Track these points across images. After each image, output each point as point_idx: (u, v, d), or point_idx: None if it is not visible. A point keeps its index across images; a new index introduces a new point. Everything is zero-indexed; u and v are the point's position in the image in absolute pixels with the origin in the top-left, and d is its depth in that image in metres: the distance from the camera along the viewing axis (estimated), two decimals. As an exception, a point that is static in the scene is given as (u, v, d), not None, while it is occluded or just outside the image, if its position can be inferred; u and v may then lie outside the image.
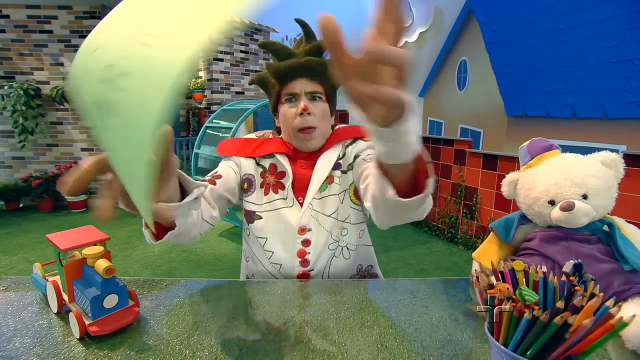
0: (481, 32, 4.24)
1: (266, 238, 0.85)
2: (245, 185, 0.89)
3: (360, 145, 0.89)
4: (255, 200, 0.87)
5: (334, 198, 0.86)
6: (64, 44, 4.29)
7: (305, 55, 0.82)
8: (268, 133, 0.95)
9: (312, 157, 0.88)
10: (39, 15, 4.21)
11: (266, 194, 0.87)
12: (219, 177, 0.84)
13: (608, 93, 3.14)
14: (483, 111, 4.46)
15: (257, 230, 0.86)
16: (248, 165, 0.89)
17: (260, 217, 0.86)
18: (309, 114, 0.81)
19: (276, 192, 0.86)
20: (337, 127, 0.93)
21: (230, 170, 0.88)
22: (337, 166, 0.87)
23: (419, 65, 5.80)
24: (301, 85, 0.82)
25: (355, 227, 0.87)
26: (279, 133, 0.92)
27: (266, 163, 0.89)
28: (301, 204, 0.85)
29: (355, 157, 0.87)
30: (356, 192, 0.87)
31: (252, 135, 0.95)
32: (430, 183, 0.49)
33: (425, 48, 5.69)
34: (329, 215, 0.85)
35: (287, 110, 0.83)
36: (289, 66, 0.80)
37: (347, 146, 0.90)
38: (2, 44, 4.21)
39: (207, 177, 0.85)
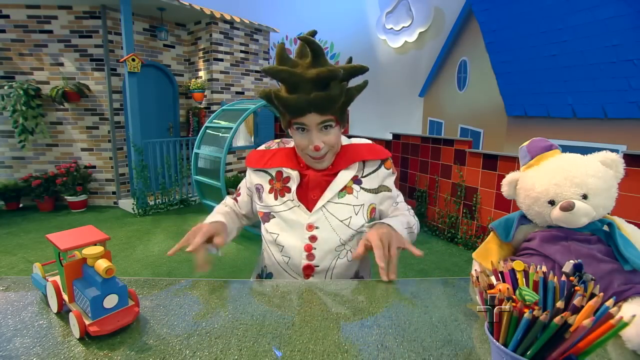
0: (481, 32, 4.24)
1: (278, 234, 0.92)
2: (257, 193, 0.98)
3: (387, 179, 0.96)
4: (267, 203, 0.95)
5: (349, 208, 0.90)
6: (64, 44, 4.29)
7: (312, 85, 0.78)
8: (274, 144, 1.01)
9: (327, 171, 0.93)
10: (39, 15, 4.21)
11: (275, 198, 0.93)
12: (239, 195, 1.06)
13: (608, 93, 3.14)
14: (483, 111, 4.46)
15: (271, 227, 0.94)
16: (256, 178, 0.98)
17: (274, 217, 0.93)
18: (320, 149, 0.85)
19: (283, 196, 0.93)
20: (352, 142, 0.97)
21: (244, 194, 1.05)
22: (358, 182, 0.93)
23: (419, 66, 5.80)
24: (311, 119, 0.82)
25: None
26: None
27: (273, 171, 0.96)
28: (308, 207, 0.90)
29: (382, 187, 0.95)
30: (372, 212, 0.94)
31: (262, 147, 1.02)
32: None
33: (425, 48, 5.69)
34: (342, 221, 0.89)
35: (299, 140, 0.86)
36: (297, 104, 0.80)
37: (375, 170, 0.95)
38: (2, 44, 4.21)
39: (234, 195, 1.09)
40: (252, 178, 0.99)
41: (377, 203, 0.96)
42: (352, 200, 0.91)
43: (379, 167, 0.96)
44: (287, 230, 0.91)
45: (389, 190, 0.97)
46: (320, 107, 0.80)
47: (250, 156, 1.03)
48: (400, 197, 1.03)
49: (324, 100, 0.79)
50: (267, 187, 0.96)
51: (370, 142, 1.00)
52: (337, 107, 0.83)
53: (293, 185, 0.92)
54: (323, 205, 0.90)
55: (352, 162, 0.93)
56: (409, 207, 1.05)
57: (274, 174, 0.96)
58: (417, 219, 1.03)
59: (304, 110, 0.81)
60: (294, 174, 0.92)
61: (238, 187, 1.08)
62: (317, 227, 0.89)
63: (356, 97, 0.89)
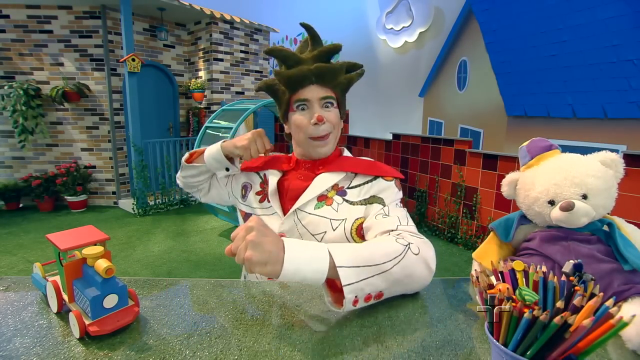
0: (481, 32, 4.25)
1: None
2: (243, 191, 0.98)
3: (385, 192, 0.83)
4: (250, 204, 0.94)
5: (325, 221, 0.83)
6: (64, 44, 4.29)
7: (313, 61, 0.83)
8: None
9: (313, 169, 0.90)
10: (39, 15, 4.21)
11: (261, 202, 0.93)
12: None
13: (608, 93, 3.14)
14: (483, 111, 4.46)
15: None
16: (244, 177, 0.99)
17: None
18: (323, 122, 0.83)
19: (262, 201, 0.92)
20: (351, 157, 0.92)
21: (224, 179, 1.01)
22: (341, 193, 0.86)
23: (419, 66, 5.81)
24: (313, 92, 0.82)
25: None
26: (290, 139, 0.95)
27: (262, 174, 0.97)
28: (284, 213, 0.87)
29: (375, 198, 0.83)
30: (360, 229, 0.83)
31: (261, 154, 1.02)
32: (347, 300, 0.57)
33: (425, 48, 5.70)
34: (314, 235, 0.83)
35: (299, 118, 0.84)
36: (299, 74, 0.80)
37: (368, 181, 0.86)
38: (2, 44, 4.21)
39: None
40: (246, 174, 0.99)
41: (366, 217, 0.82)
42: (330, 214, 0.83)
43: (375, 178, 0.86)
44: None
45: (382, 203, 0.82)
46: (322, 77, 0.81)
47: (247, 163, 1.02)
48: (397, 212, 0.79)
49: (325, 70, 0.81)
50: (256, 187, 0.95)
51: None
52: (338, 82, 0.84)
53: (271, 187, 0.90)
54: (296, 214, 0.84)
55: (340, 169, 0.87)
56: (413, 232, 0.75)
57: (262, 177, 0.96)
58: (424, 249, 0.70)
59: (305, 80, 0.81)
60: (273, 177, 0.91)
61: None
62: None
63: (356, 81, 0.88)
